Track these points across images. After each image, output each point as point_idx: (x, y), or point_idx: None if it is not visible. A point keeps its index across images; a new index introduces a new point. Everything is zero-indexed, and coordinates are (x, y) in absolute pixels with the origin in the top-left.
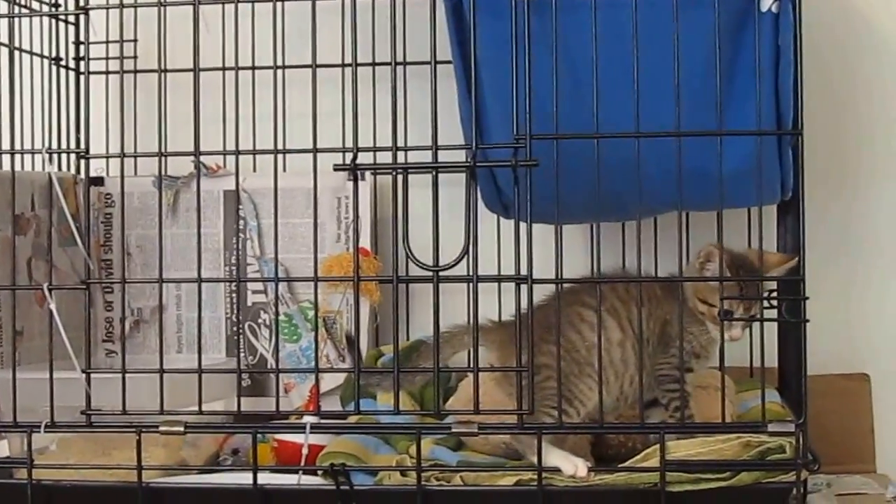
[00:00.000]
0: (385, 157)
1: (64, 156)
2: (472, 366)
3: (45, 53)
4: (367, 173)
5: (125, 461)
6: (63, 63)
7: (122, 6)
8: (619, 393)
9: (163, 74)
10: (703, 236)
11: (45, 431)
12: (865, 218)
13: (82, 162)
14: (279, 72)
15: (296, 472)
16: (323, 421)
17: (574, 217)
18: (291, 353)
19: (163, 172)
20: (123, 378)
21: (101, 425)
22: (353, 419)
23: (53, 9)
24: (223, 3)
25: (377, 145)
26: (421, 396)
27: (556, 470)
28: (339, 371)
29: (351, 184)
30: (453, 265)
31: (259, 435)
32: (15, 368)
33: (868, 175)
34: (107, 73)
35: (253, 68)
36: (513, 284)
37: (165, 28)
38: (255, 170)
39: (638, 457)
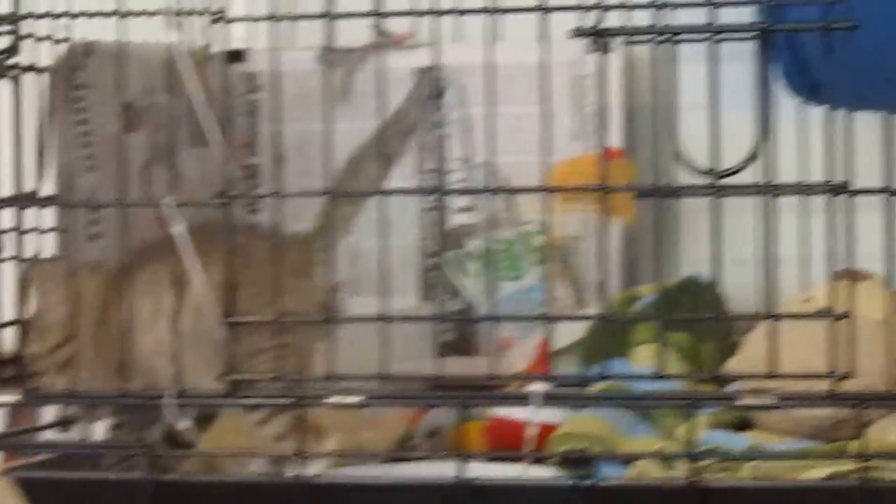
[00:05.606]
0: (642, 19)
1: (192, 19)
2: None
3: None
4: (618, 41)
5: None
6: None
7: None
8: None
9: None
10: None
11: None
12: None
13: (218, 28)
14: None
15: (519, 460)
16: (556, 390)
17: None
18: (511, 296)
19: (331, 43)
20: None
21: (247, 395)
22: (597, 387)
23: None
24: None
25: (632, 2)
26: (696, 355)
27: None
28: (579, 319)
29: (594, 57)
30: (739, 170)
31: (466, 409)
32: None
33: None
34: None
35: None
36: (822, 197)
37: None
38: (459, 39)
39: None
